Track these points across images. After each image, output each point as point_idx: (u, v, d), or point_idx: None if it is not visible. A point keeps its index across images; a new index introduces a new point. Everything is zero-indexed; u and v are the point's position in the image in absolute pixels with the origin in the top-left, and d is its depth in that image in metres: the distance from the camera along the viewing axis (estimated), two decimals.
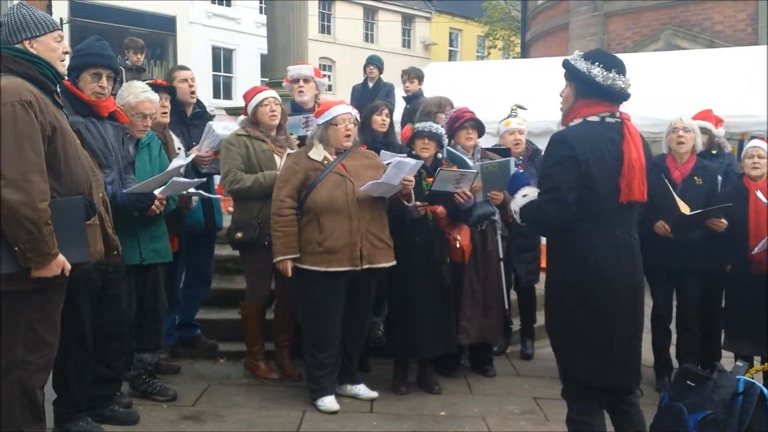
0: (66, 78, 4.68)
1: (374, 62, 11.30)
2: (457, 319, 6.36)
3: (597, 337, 4.06)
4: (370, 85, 11.17)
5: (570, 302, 4.13)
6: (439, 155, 6.26)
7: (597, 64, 4.06)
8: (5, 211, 3.82)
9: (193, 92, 6.79)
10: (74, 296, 4.53)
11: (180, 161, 5.69)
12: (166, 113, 6.20)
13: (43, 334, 4.11)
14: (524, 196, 4.30)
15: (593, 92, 4.09)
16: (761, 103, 9.95)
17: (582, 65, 4.09)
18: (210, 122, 6.65)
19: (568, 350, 4.22)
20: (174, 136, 6.33)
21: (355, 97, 10.80)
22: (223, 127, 6.54)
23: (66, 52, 4.33)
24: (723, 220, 6.06)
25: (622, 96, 4.11)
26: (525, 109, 7.37)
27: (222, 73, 33.68)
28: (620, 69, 4.09)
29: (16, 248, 3.87)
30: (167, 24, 30.75)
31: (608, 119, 4.11)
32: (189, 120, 6.81)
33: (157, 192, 5.37)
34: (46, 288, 4.05)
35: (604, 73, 4.04)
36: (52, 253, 3.94)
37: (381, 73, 11.27)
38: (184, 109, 6.78)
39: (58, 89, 4.36)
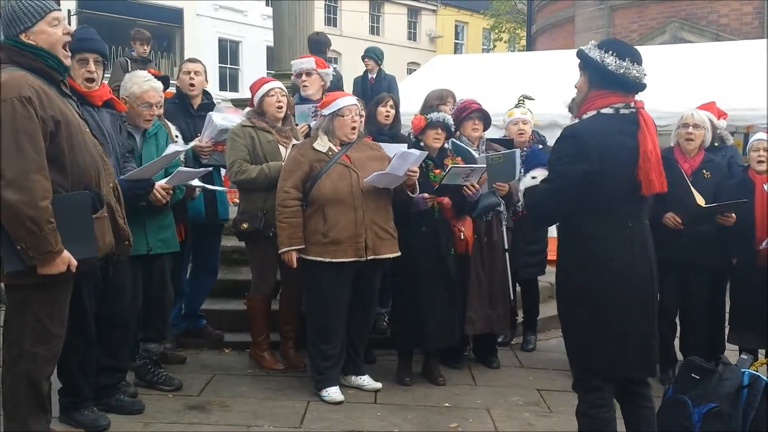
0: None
1: (369, 54, 11.21)
2: (462, 310, 6.37)
3: (612, 330, 4.02)
4: (370, 77, 11.12)
5: (584, 295, 4.08)
6: (446, 146, 6.27)
7: (611, 52, 3.97)
8: (5, 211, 3.80)
9: (192, 85, 6.77)
10: (77, 286, 4.50)
11: (176, 147, 5.62)
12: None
13: (50, 327, 4.12)
14: (533, 177, 4.33)
15: (606, 82, 4.01)
16: (763, 96, 9.94)
17: (595, 54, 4.01)
18: (210, 113, 6.64)
19: (583, 342, 4.16)
20: (171, 125, 6.26)
21: (356, 90, 10.76)
22: (222, 117, 6.53)
23: (67, 33, 4.20)
24: (732, 215, 6.04)
25: (636, 85, 4.02)
26: (532, 99, 7.34)
27: (228, 65, 33.72)
28: (634, 58, 4.00)
29: (19, 247, 3.86)
30: (174, 16, 30.83)
31: (623, 110, 4.03)
32: (195, 111, 6.81)
33: (163, 182, 5.37)
34: (52, 282, 4.05)
35: (617, 62, 3.95)
36: (56, 251, 3.93)
37: (380, 64, 11.18)
38: (189, 101, 6.79)
39: (65, 80, 4.32)
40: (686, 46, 14.79)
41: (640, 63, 4.01)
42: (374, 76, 11.12)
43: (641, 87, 4.05)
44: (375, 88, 10.53)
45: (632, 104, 4.06)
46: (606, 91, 4.04)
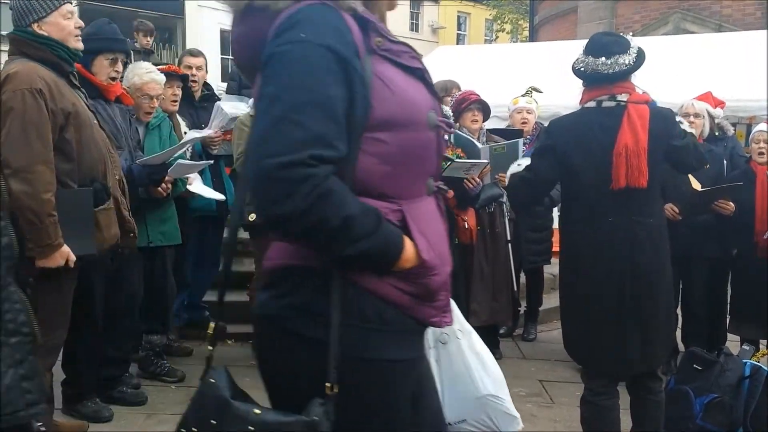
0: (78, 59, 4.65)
1: None
2: (467, 301, 6.36)
3: (584, 324, 4.07)
4: None
5: (563, 284, 4.28)
6: (445, 137, 6.24)
7: (581, 51, 4.11)
8: (8, 200, 3.82)
9: (194, 81, 6.73)
10: (89, 279, 4.52)
11: (195, 134, 5.64)
12: (175, 102, 6.14)
13: (53, 318, 4.12)
14: (518, 165, 4.59)
15: (582, 79, 4.15)
16: (765, 87, 9.92)
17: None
18: (218, 102, 6.61)
19: (564, 330, 4.30)
20: (181, 120, 6.28)
21: None
22: (231, 106, 6.51)
23: (79, 27, 4.27)
24: (730, 203, 6.03)
25: (600, 77, 3.98)
26: (540, 91, 7.34)
27: (230, 57, 33.63)
28: (591, 51, 4.02)
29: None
30: (176, 7, 30.75)
31: (606, 103, 4.02)
32: (197, 102, 6.79)
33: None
34: (57, 274, 4.05)
35: (579, 58, 4.08)
36: (55, 244, 3.94)
37: None
38: (192, 92, 6.77)
39: (74, 70, 4.34)
40: (689, 36, 14.74)
41: (599, 55, 3.98)
42: None
43: (607, 78, 3.99)
44: None
45: (618, 96, 4.02)
46: (588, 87, 4.13)
